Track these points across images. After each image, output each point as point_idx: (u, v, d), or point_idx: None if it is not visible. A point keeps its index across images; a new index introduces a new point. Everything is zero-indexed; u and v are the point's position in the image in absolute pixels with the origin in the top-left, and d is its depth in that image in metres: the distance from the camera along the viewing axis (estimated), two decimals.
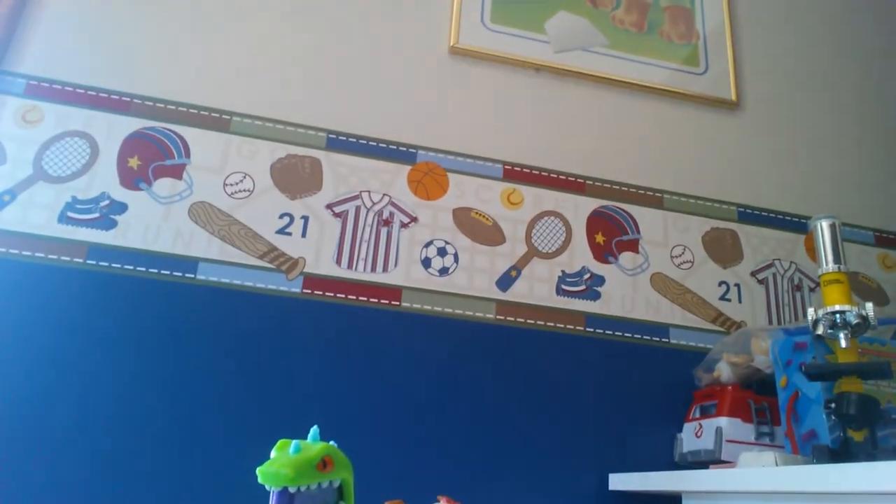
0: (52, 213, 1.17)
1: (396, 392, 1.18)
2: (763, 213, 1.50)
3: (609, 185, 1.43)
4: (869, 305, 0.90)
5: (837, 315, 0.91)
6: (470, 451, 1.17)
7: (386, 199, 1.31)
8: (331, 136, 1.33)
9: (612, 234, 1.39)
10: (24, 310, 1.10)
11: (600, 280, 1.34)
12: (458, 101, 1.43)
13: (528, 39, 1.50)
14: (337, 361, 1.17)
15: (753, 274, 1.43)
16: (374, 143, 1.34)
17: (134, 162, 1.23)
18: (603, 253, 1.37)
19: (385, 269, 1.25)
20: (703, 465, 1.15)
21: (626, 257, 1.38)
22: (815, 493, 0.77)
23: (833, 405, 0.90)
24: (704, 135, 1.54)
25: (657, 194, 1.45)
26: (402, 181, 1.33)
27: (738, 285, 1.41)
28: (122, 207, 1.20)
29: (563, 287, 1.32)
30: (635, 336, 1.32)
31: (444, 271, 1.28)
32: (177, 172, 1.24)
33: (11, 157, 1.19)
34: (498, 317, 1.27)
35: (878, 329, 0.94)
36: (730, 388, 1.17)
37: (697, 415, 1.21)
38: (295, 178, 1.28)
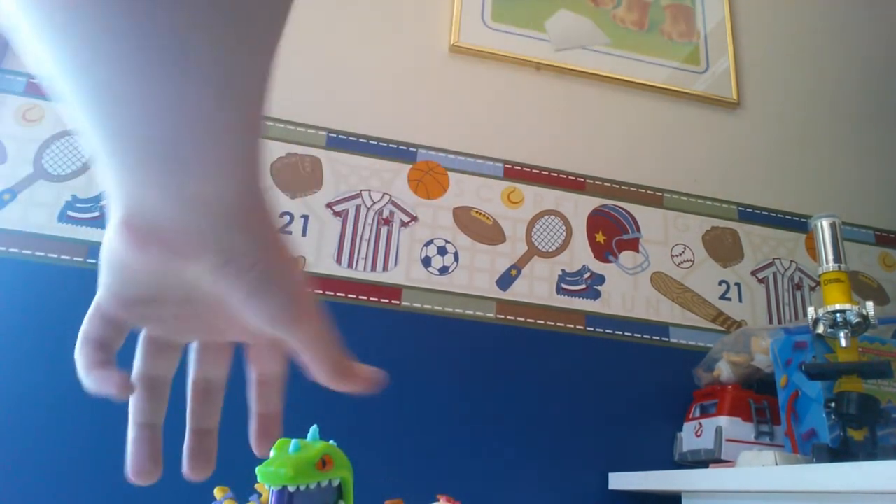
0: (52, 211, 1.17)
1: (396, 391, 1.18)
2: (763, 213, 1.49)
3: (609, 184, 1.43)
4: (869, 304, 0.90)
5: (838, 314, 0.91)
6: (470, 450, 1.17)
7: (386, 198, 1.31)
8: (331, 134, 1.33)
9: (612, 233, 1.39)
10: (25, 309, 1.10)
11: (600, 279, 1.34)
12: (458, 100, 1.42)
13: (529, 38, 1.50)
14: None
15: (754, 273, 1.43)
16: (375, 142, 1.34)
17: None
18: (603, 252, 1.37)
19: (385, 269, 1.25)
20: (703, 464, 1.15)
21: (626, 256, 1.38)
22: (815, 493, 0.77)
23: (833, 404, 0.90)
24: (705, 134, 1.54)
25: (657, 193, 1.45)
26: (403, 180, 1.33)
27: (738, 284, 1.41)
28: None
29: (564, 286, 1.32)
30: (635, 335, 1.31)
31: (444, 270, 1.27)
32: None
33: (12, 155, 1.19)
34: (498, 316, 1.27)
35: (878, 328, 0.94)
36: (730, 387, 1.17)
37: (697, 414, 1.21)
38: (295, 177, 1.28)
